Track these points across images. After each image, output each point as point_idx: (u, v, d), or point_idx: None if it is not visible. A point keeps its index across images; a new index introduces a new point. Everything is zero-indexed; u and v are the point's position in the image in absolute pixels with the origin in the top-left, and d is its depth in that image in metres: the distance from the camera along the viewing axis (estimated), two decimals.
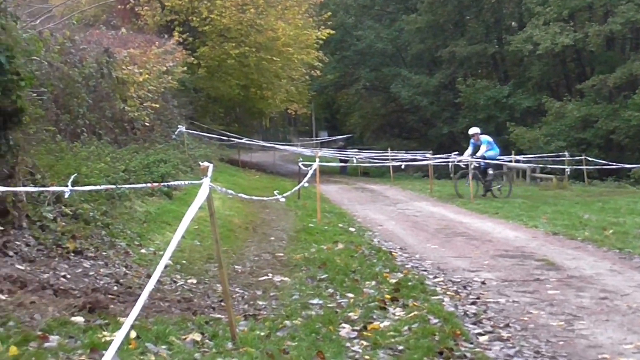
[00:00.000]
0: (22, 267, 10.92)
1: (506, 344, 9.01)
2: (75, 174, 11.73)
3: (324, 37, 42.43)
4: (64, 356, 7.23)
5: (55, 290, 9.99)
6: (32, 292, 9.66)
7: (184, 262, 12.92)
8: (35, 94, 13.32)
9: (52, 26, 17.44)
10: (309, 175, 23.40)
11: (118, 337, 4.82)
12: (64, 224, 13.06)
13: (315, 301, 10.98)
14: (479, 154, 31.52)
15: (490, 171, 32.24)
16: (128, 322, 5.14)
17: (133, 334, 8.16)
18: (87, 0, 35.45)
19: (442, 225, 21.42)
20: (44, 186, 12.40)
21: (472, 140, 32.31)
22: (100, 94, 20.62)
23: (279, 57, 39.41)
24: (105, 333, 7.83)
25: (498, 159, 34.46)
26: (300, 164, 30.61)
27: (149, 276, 6.17)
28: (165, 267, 11.98)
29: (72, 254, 12.24)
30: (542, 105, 50.91)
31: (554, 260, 14.86)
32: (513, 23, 59.38)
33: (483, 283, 12.74)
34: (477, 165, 31.30)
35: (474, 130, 32.68)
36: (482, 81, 56.28)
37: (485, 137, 32.44)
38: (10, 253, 11.43)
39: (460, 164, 33.03)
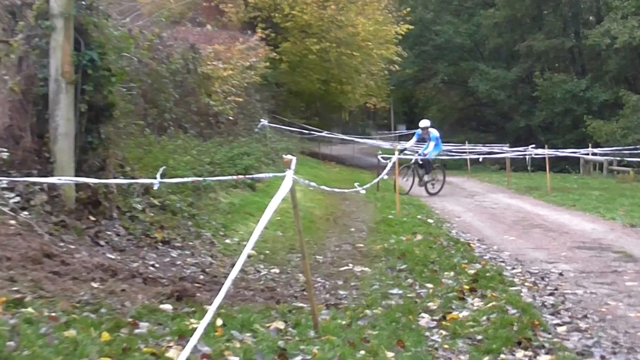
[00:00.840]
0: (113, 257, 11.21)
1: (584, 334, 9.02)
2: (164, 167, 11.99)
3: (403, 33, 42.35)
4: (153, 342, 7.44)
5: (144, 279, 10.25)
6: (122, 281, 9.93)
7: (267, 252, 13.13)
8: (125, 89, 13.61)
9: (141, 24, 17.74)
10: (388, 168, 23.52)
11: (202, 324, 5.02)
12: (152, 214, 13.34)
13: (395, 291, 11.10)
14: (426, 151, 29.76)
15: (427, 170, 30.04)
16: (212, 309, 5.32)
17: (219, 322, 8.39)
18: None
19: (519, 217, 21.34)
20: (133, 178, 12.68)
21: (419, 132, 30.63)
22: (186, 88, 20.89)
23: (359, 52, 39.39)
24: (192, 320, 7.99)
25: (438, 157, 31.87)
26: (379, 156, 30.71)
27: (233, 265, 6.28)
28: (249, 257, 12.22)
29: (160, 244, 12.51)
30: (619, 99, 50.05)
31: (632, 252, 14.76)
32: (591, 17, 58.65)
33: (561, 274, 12.74)
34: (419, 160, 29.50)
35: (425, 123, 30.53)
36: (559, 75, 55.70)
37: (434, 133, 30.31)
38: (102, 242, 11.73)
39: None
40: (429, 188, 30.22)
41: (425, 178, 30.16)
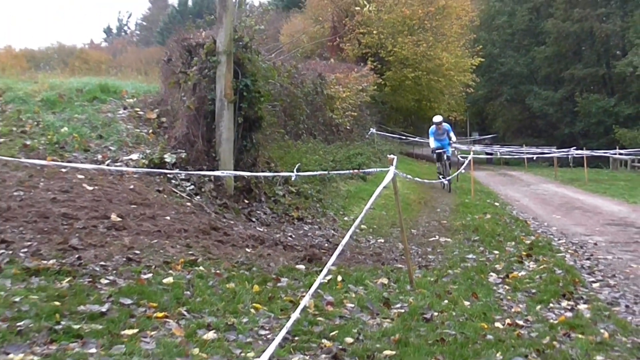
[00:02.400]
0: (261, 229, 11.39)
1: (613, 289, 9.05)
2: (299, 163, 12.14)
3: (476, 64, 42.23)
4: (291, 293, 7.58)
5: (284, 246, 10.40)
6: (268, 247, 10.09)
7: (375, 226, 13.17)
8: (270, 107, 13.81)
9: (282, 58, 17.92)
10: (465, 164, 23.65)
11: (320, 276, 5.09)
12: (290, 199, 13.51)
13: (470, 256, 11.11)
14: (453, 140, 23.85)
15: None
16: (328, 265, 5.39)
17: (339, 278, 8.50)
18: (307, 38, 36.20)
19: (563, 201, 21.13)
20: (276, 172, 12.84)
21: (433, 130, 22.72)
22: (315, 106, 21.05)
23: (443, 78, 39.55)
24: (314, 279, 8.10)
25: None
26: (458, 156, 30.68)
27: (350, 237, 6.41)
28: (361, 230, 12.31)
29: (296, 220, 12.67)
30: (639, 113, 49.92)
31: None
32: (618, 52, 57.63)
33: (595, 244, 12.66)
34: (447, 155, 23.27)
35: (438, 118, 22.77)
36: (594, 95, 55.39)
37: (447, 126, 23.31)
38: (253, 219, 11.94)
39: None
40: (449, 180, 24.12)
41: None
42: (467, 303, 7.81)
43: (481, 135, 58.84)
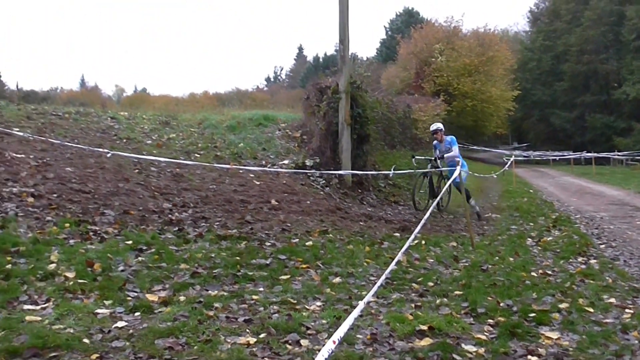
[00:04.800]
0: (370, 210, 11.38)
1: (614, 249, 8.72)
2: (394, 165, 12.08)
3: (515, 95, 41.23)
4: (390, 252, 7.55)
5: (385, 220, 10.36)
6: (374, 221, 10.07)
7: (442, 206, 12.96)
8: (375, 127, 13.76)
9: (382, 94, 17.80)
10: (508, 164, 23.14)
11: (409, 239, 5.08)
12: (389, 189, 13.44)
13: (513, 227, 10.84)
14: (452, 154, 12.16)
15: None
16: (414, 232, 5.38)
17: (423, 242, 8.43)
18: (399, 81, 36.14)
19: (578, 188, 20.43)
20: (379, 171, 12.79)
21: (436, 143, 12.70)
22: (404, 126, 20.88)
23: (492, 105, 38.82)
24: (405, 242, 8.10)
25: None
26: (504, 158, 30.13)
27: (429, 214, 6.40)
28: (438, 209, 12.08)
29: (393, 203, 12.60)
30: (632, 126, 48.00)
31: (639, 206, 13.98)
32: (615, 84, 55.07)
33: (601, 218, 12.18)
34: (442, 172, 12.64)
35: (434, 126, 12.85)
36: (598, 115, 53.44)
37: (451, 137, 12.75)
38: (364, 203, 11.93)
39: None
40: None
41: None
42: (511, 259, 7.64)
43: (519, 144, 57.20)
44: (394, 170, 11.58)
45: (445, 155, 11.99)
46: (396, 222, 10.33)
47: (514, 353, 4.18)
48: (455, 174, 8.92)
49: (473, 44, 38.07)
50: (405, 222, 10.40)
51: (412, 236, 5.31)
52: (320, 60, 64.14)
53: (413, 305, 5.24)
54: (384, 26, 59.96)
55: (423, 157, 12.77)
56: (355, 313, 3.14)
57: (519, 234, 9.97)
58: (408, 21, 51.43)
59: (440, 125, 12.56)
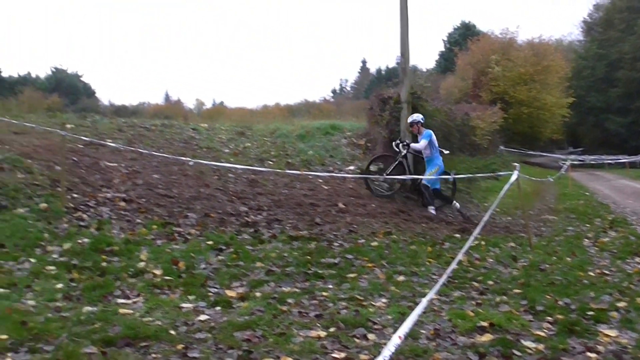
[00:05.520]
0: (432, 212, 11.20)
1: None
2: (454, 170, 11.87)
3: (570, 102, 39.78)
4: (451, 252, 7.40)
5: (446, 222, 10.18)
6: (435, 223, 9.91)
7: (505, 209, 12.66)
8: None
9: (442, 103, 17.53)
10: (564, 168, 22.45)
11: (469, 241, 4.97)
12: (448, 192, 13.20)
13: (570, 228, 10.48)
14: (416, 145, 11.45)
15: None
16: (474, 234, 5.26)
17: (483, 243, 8.23)
18: (457, 90, 35.61)
19: (633, 190, 19.49)
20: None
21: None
22: (463, 133, 20.44)
23: (548, 112, 37.58)
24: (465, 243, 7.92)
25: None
26: (560, 162, 29.22)
27: (488, 216, 6.23)
28: (496, 211, 11.83)
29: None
30: None
31: None
32: None
33: None
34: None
35: (411, 117, 11.69)
36: None
37: (428, 132, 11.40)
38: (426, 206, 11.75)
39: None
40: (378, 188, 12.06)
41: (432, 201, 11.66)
42: (568, 259, 7.37)
43: (575, 148, 55.34)
44: (453, 174, 11.42)
45: (410, 145, 11.52)
46: (456, 224, 10.13)
47: (573, 350, 4.03)
48: (427, 176, 10.16)
49: (528, 54, 37.13)
50: (465, 224, 10.19)
51: (472, 237, 5.20)
52: (383, 72, 63.88)
53: (474, 302, 5.13)
54: (442, 39, 59.18)
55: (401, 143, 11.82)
56: (419, 310, 3.10)
57: (576, 235, 9.62)
58: (465, 34, 50.58)
59: (416, 117, 11.59)
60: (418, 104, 12.72)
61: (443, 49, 56.89)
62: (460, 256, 4.74)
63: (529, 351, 3.94)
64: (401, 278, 5.86)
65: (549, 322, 4.63)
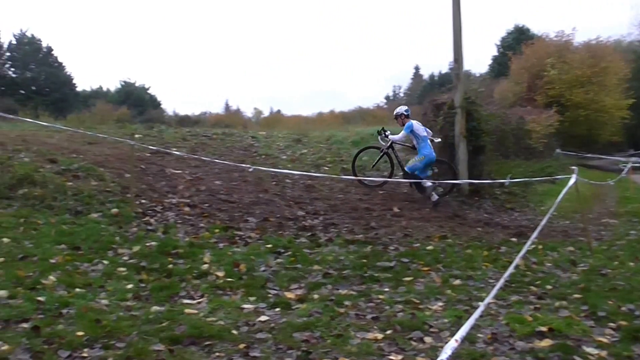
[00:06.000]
0: (487, 216, 10.98)
1: None
2: (509, 174, 11.62)
3: (630, 103, 38.22)
4: (508, 256, 7.18)
5: (502, 226, 9.95)
6: (491, 227, 9.71)
7: (562, 213, 12.24)
8: (489, 138, 13.30)
9: (496, 108, 17.16)
10: (625, 171, 21.61)
11: (526, 245, 4.83)
12: (504, 196, 12.91)
13: (632, 232, 10.00)
14: (390, 136, 11.56)
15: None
16: (531, 238, 5.10)
17: (540, 247, 8.00)
18: (511, 94, 34.85)
19: None
20: (494, 179, 12.32)
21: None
22: (518, 137, 19.99)
23: (606, 114, 36.19)
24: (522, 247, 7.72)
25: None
26: (620, 165, 28.06)
27: (546, 220, 6.03)
28: (554, 215, 11.46)
29: (509, 210, 12.06)
30: None
31: None
32: None
33: None
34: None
35: (396, 110, 11.88)
36: None
37: (410, 123, 11.08)
38: (481, 210, 11.54)
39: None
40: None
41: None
42: (631, 264, 7.04)
43: (636, 150, 53.16)
44: (509, 179, 11.18)
45: (389, 136, 11.49)
46: (512, 228, 9.88)
47: (638, 357, 3.85)
48: (410, 163, 10.72)
49: (585, 56, 35.95)
50: (521, 228, 9.92)
51: (529, 241, 5.06)
52: (436, 78, 63.14)
53: (532, 307, 4.98)
54: (495, 44, 58.01)
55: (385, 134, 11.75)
56: (477, 314, 3.04)
57: (639, 239, 9.21)
58: (519, 38, 49.33)
59: (399, 110, 11.61)
60: (472, 109, 12.52)
61: (496, 54, 55.66)
62: (517, 260, 4.62)
63: (591, 358, 3.80)
64: (457, 282, 5.77)
65: (611, 328, 4.44)
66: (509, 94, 36.49)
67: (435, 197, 10.84)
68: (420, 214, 9.68)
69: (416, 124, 11.15)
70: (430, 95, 17.39)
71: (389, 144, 11.61)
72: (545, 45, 38.50)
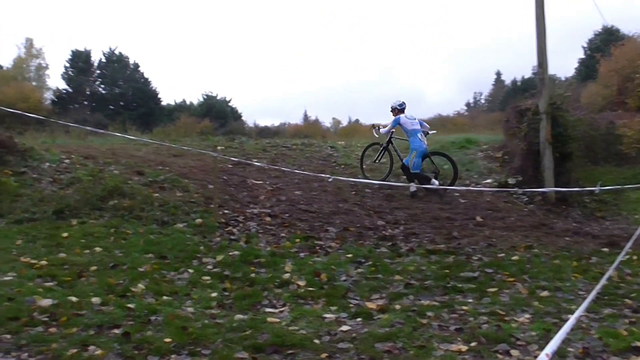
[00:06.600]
0: (575, 225, 10.49)
1: None
2: (600, 181, 11.07)
3: None
4: (599, 267, 6.85)
5: (592, 236, 9.46)
6: (581, 237, 9.26)
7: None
8: (576, 145, 12.77)
9: (584, 113, 16.37)
10: None
11: (620, 255, 4.60)
12: (594, 204, 12.32)
13: None
14: (382, 130, 12.03)
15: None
16: (626, 247, 4.83)
17: (634, 257, 7.54)
18: (600, 98, 33.27)
19: None
20: (583, 187, 11.78)
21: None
22: (608, 142, 19.01)
23: None
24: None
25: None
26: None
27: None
28: None
29: (599, 219, 11.49)
30: None
31: None
32: None
33: None
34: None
35: (391, 104, 11.83)
36: None
37: (402, 118, 11.34)
38: (569, 218, 11.06)
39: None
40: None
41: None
42: None
43: None
44: (600, 186, 10.65)
45: (380, 130, 12.01)
46: (603, 237, 9.39)
47: None
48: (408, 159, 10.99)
49: None
50: (613, 237, 9.40)
51: (623, 251, 4.81)
52: (518, 83, 61.33)
53: (627, 321, 4.73)
54: (582, 46, 55.62)
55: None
56: (567, 326, 2.92)
57: None
58: (607, 39, 47.05)
59: (393, 104, 11.75)
60: (558, 115, 12.08)
61: (583, 56, 53.35)
62: (611, 271, 4.40)
63: None
64: (545, 293, 5.55)
65: None
66: (597, 98, 34.88)
67: (413, 187, 10.90)
68: (504, 223, 9.41)
69: (404, 118, 11.36)
70: (512, 101, 16.90)
71: (388, 139, 11.95)
72: (637, 46, 36.56)
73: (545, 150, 11.79)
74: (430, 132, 11.95)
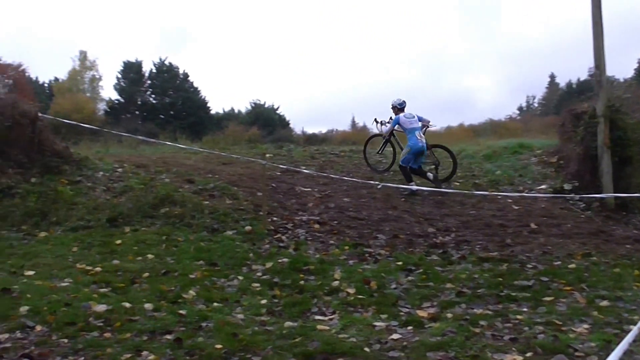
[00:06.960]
0: (636, 232, 10.11)
1: None
2: None
3: None
4: None
5: None
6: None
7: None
8: (637, 148, 12.32)
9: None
10: None
11: None
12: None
13: None
14: (385, 129, 12.62)
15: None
16: None
17: None
18: None
19: None
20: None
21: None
22: None
23: None
24: None
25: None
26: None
27: None
28: None
29: None
30: None
31: None
32: None
33: None
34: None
35: (391, 101, 12.28)
36: None
37: (401, 118, 11.70)
38: (630, 225, 10.66)
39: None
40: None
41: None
42: None
43: None
44: None
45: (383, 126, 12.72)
46: None
47: None
48: (401, 155, 11.46)
49: None
50: None
51: None
52: (573, 86, 59.78)
53: None
54: None
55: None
56: (629, 337, 2.83)
57: None
58: None
59: (394, 102, 12.19)
60: (616, 117, 11.70)
61: None
62: None
63: None
64: (604, 303, 5.38)
65: None
66: None
67: (414, 187, 10.98)
68: (560, 231, 9.16)
69: (403, 118, 11.68)
70: (567, 104, 16.46)
71: (389, 131, 12.43)
72: None
73: (603, 154, 11.44)
74: (430, 125, 12.28)
